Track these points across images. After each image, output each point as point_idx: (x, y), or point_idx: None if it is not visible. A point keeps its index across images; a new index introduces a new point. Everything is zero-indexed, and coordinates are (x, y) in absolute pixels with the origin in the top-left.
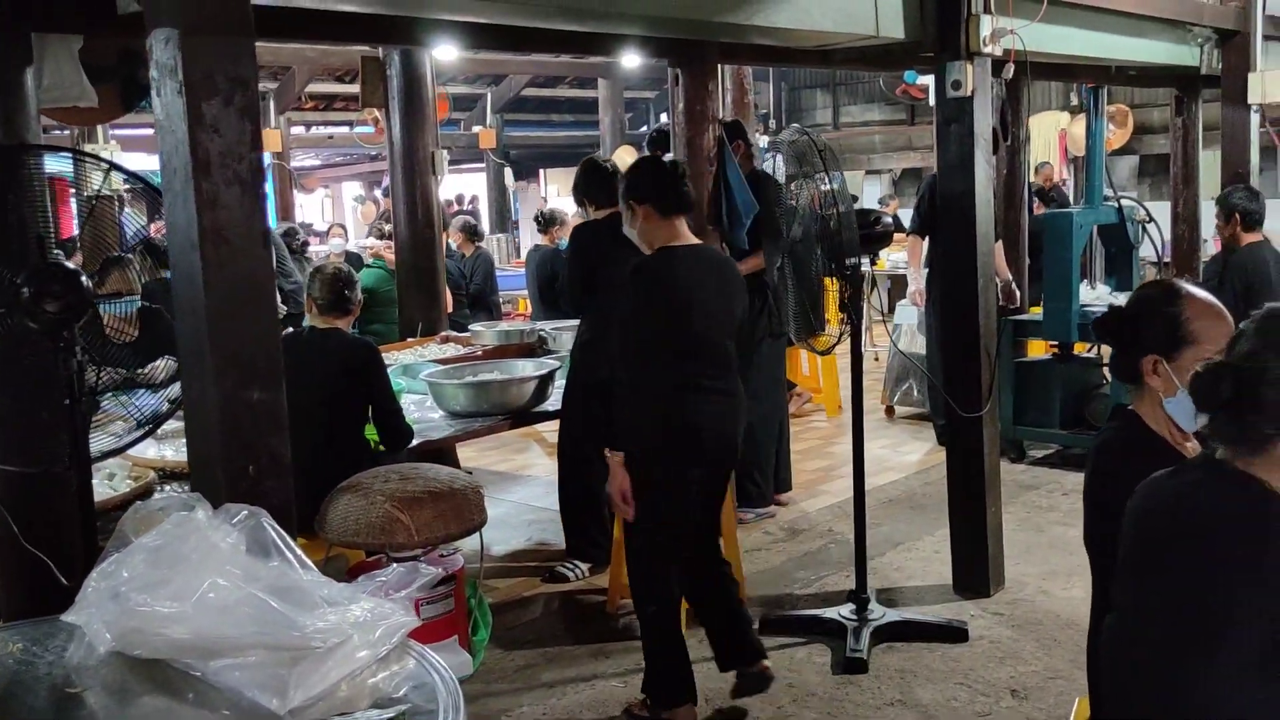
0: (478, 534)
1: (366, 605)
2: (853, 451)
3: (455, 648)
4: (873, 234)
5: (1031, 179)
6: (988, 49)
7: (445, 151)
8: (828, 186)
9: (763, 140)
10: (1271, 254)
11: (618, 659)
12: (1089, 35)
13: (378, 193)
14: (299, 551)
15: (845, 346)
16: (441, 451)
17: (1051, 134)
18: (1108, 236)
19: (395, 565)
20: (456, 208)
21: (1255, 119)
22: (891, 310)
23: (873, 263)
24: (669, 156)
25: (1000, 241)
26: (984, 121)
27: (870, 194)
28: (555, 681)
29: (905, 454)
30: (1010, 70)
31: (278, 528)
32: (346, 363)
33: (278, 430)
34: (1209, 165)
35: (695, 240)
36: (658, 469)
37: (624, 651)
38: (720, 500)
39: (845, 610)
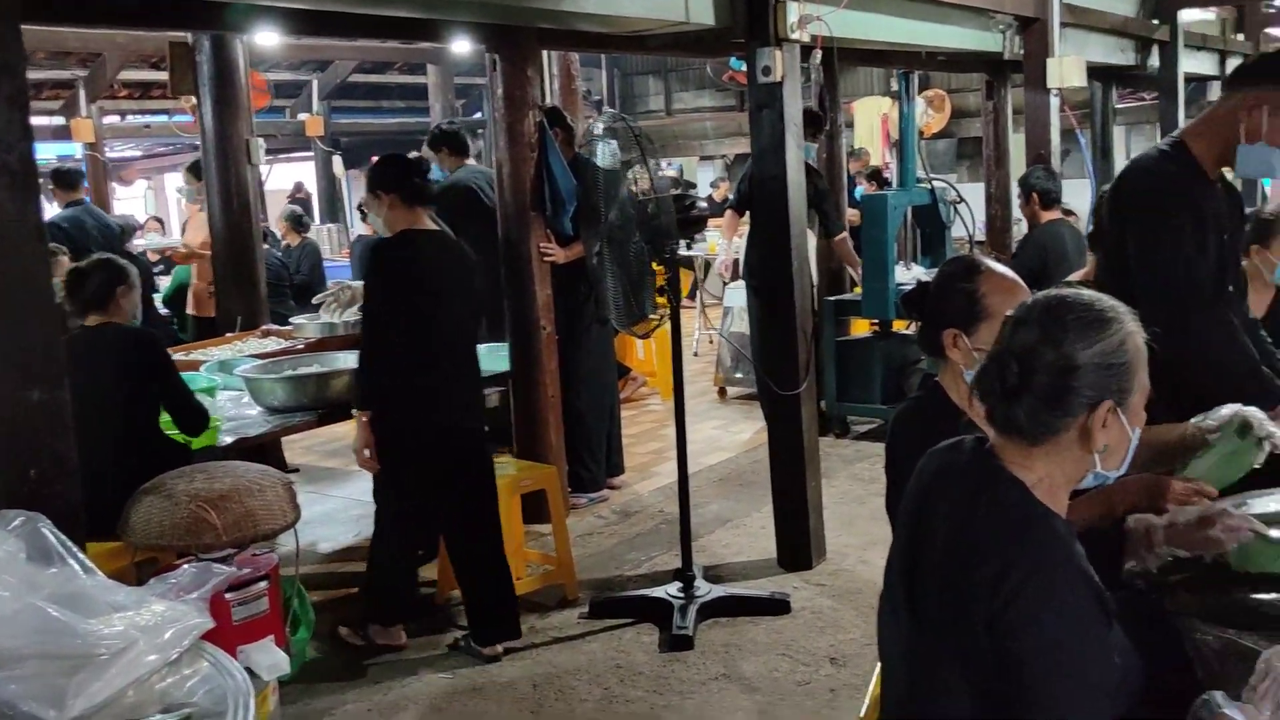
0: (294, 531)
1: (158, 609)
2: (676, 433)
3: (270, 648)
4: (689, 218)
5: (852, 165)
6: (795, 35)
7: (262, 140)
8: (645, 172)
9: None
10: (1069, 231)
11: (447, 652)
12: (896, 22)
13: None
14: (84, 557)
15: (687, 330)
16: (263, 449)
17: (874, 119)
18: (922, 217)
19: (188, 566)
20: (293, 197)
21: (1055, 103)
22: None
23: (689, 245)
24: (415, 154)
25: (846, 232)
26: (794, 106)
27: (704, 179)
28: (383, 677)
29: (736, 433)
30: (818, 56)
31: (59, 533)
32: (125, 356)
33: (62, 431)
34: (1019, 147)
35: (435, 228)
36: (396, 429)
37: (454, 644)
38: (481, 471)
39: (672, 589)
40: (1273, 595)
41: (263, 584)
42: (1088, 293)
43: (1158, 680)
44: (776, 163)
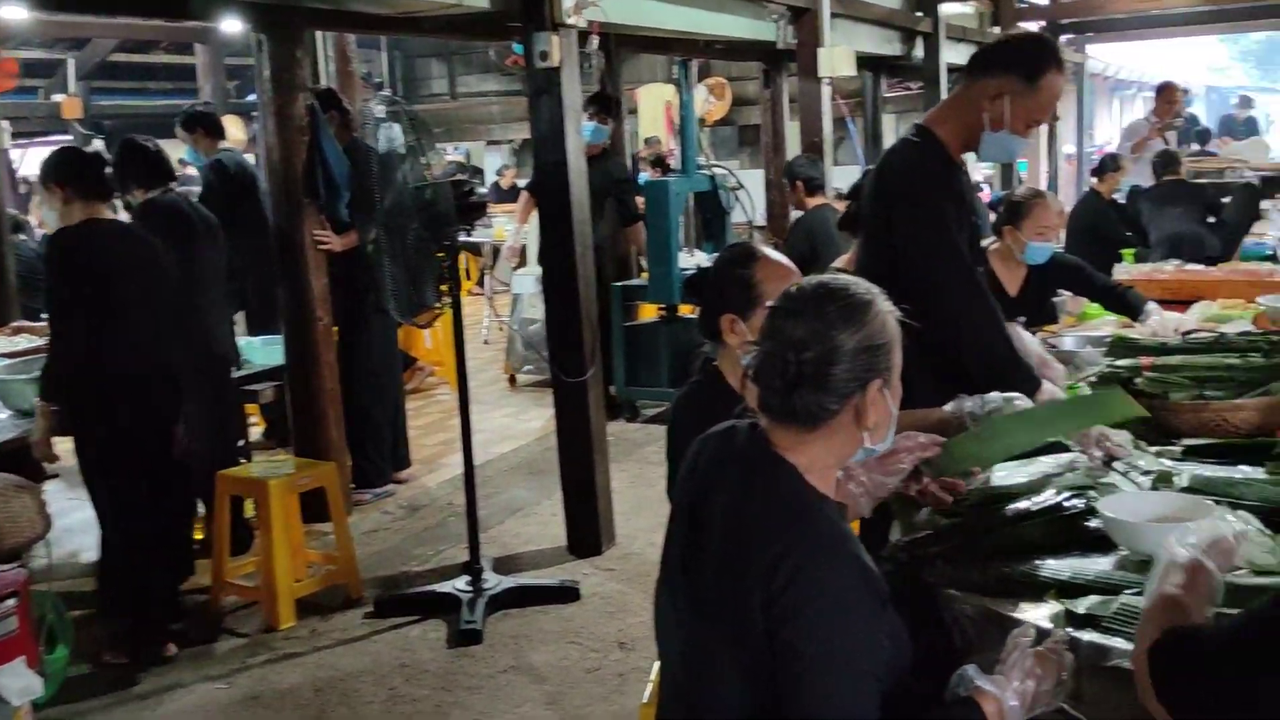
0: (46, 542)
1: None
2: (461, 423)
3: (21, 670)
4: (467, 204)
5: (642, 151)
6: (572, 20)
7: (6, 123)
8: (423, 158)
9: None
10: (834, 215)
11: (223, 660)
12: (673, 9)
13: None
14: None
15: (478, 317)
16: (16, 455)
17: (659, 107)
18: (703, 203)
19: None
20: None
21: (827, 91)
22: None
23: (469, 232)
24: (92, 148)
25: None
26: (573, 93)
27: (491, 164)
28: (151, 691)
29: (527, 421)
30: (595, 42)
31: None
32: None
33: None
34: (795, 135)
35: (113, 218)
36: (86, 413)
37: (230, 653)
38: (169, 466)
39: (460, 583)
40: (1024, 564)
41: (10, 602)
42: (843, 278)
43: (919, 650)
44: (557, 149)
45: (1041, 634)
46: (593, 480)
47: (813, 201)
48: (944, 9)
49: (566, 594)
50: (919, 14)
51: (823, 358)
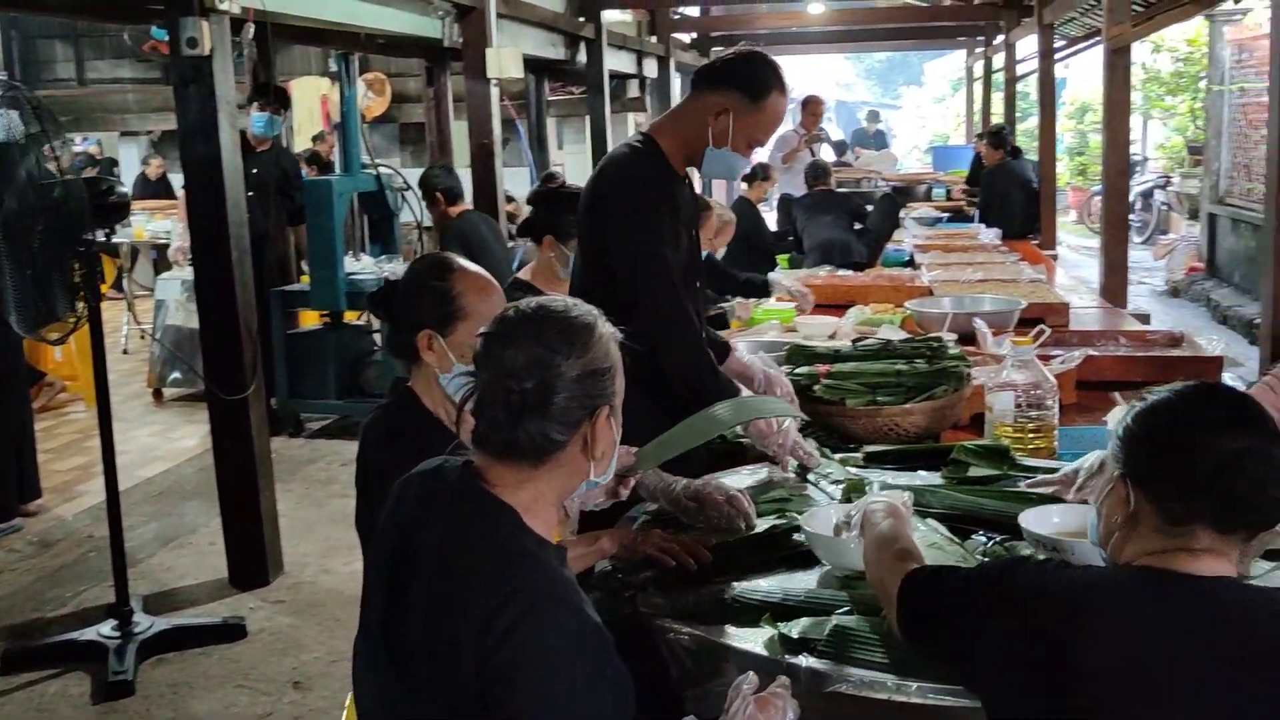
0: None
1: None
2: (101, 444)
3: None
4: (105, 205)
5: (313, 147)
6: (224, 6)
7: None
8: (50, 151)
9: None
10: (481, 219)
11: None
12: (332, 1)
13: None
14: None
15: (116, 324)
16: None
17: (314, 101)
18: (369, 204)
19: None
20: None
21: (495, 92)
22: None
23: (109, 236)
24: None
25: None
26: (226, 83)
27: (128, 156)
28: None
29: (178, 440)
30: (251, 30)
31: None
32: None
33: None
34: (462, 134)
35: None
36: None
37: None
38: None
39: (106, 628)
40: (740, 586)
41: None
42: (561, 299)
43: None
44: (208, 144)
45: (768, 672)
46: (256, 504)
47: (455, 210)
48: (606, 15)
49: (231, 632)
50: (582, 19)
51: (547, 385)
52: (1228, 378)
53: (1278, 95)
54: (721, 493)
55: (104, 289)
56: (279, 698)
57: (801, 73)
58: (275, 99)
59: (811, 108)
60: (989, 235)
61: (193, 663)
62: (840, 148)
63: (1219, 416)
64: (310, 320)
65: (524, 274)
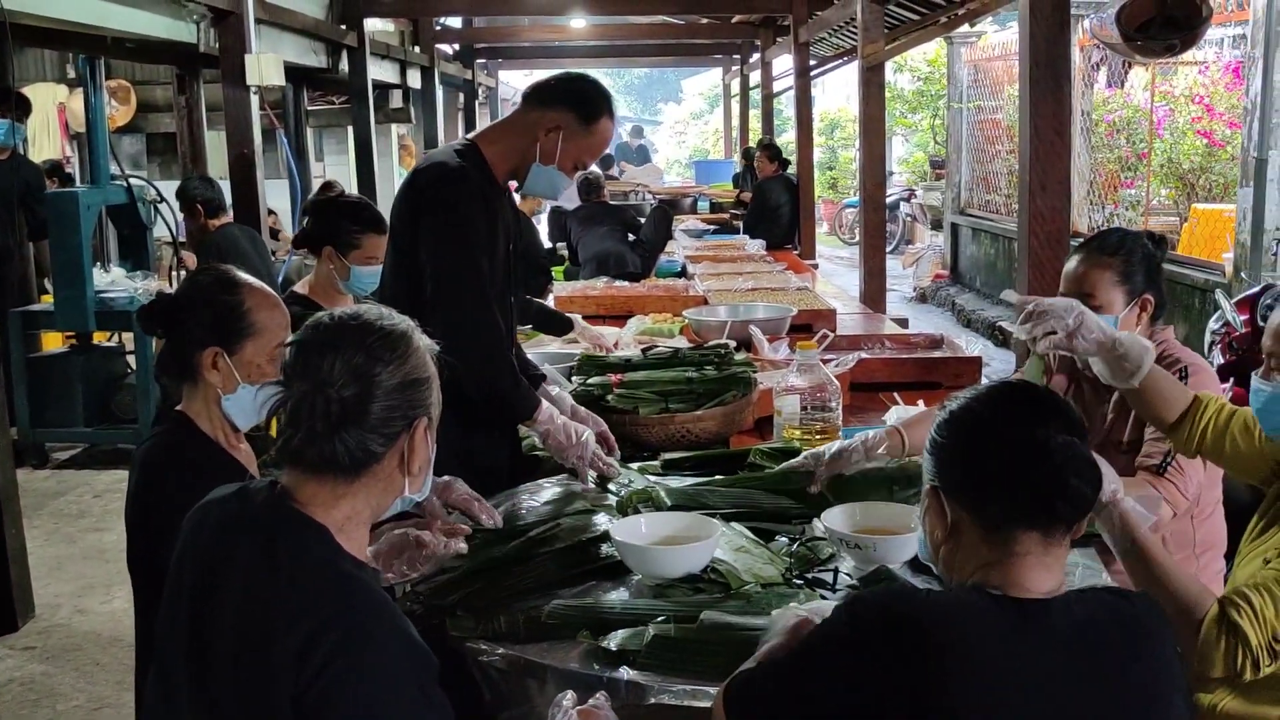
0: None
1: None
2: None
3: None
4: None
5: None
6: None
7: None
8: None
9: None
10: (242, 232)
11: None
12: (77, 0)
13: None
14: None
15: None
16: None
17: (50, 108)
18: (119, 217)
19: None
20: None
21: (255, 100)
22: None
23: None
24: None
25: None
26: None
27: None
28: None
29: None
30: None
31: None
32: None
33: None
34: (216, 145)
35: None
36: None
37: None
38: None
39: None
40: (548, 603)
41: None
42: (375, 308)
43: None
44: None
45: (586, 687)
46: (3, 543)
47: (216, 222)
48: (369, 24)
49: None
50: (344, 27)
51: (366, 394)
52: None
53: (1028, 111)
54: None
55: None
56: None
57: None
58: (16, 105)
59: None
60: (754, 246)
61: None
62: (607, 161)
63: (1017, 412)
64: (54, 343)
65: (300, 287)
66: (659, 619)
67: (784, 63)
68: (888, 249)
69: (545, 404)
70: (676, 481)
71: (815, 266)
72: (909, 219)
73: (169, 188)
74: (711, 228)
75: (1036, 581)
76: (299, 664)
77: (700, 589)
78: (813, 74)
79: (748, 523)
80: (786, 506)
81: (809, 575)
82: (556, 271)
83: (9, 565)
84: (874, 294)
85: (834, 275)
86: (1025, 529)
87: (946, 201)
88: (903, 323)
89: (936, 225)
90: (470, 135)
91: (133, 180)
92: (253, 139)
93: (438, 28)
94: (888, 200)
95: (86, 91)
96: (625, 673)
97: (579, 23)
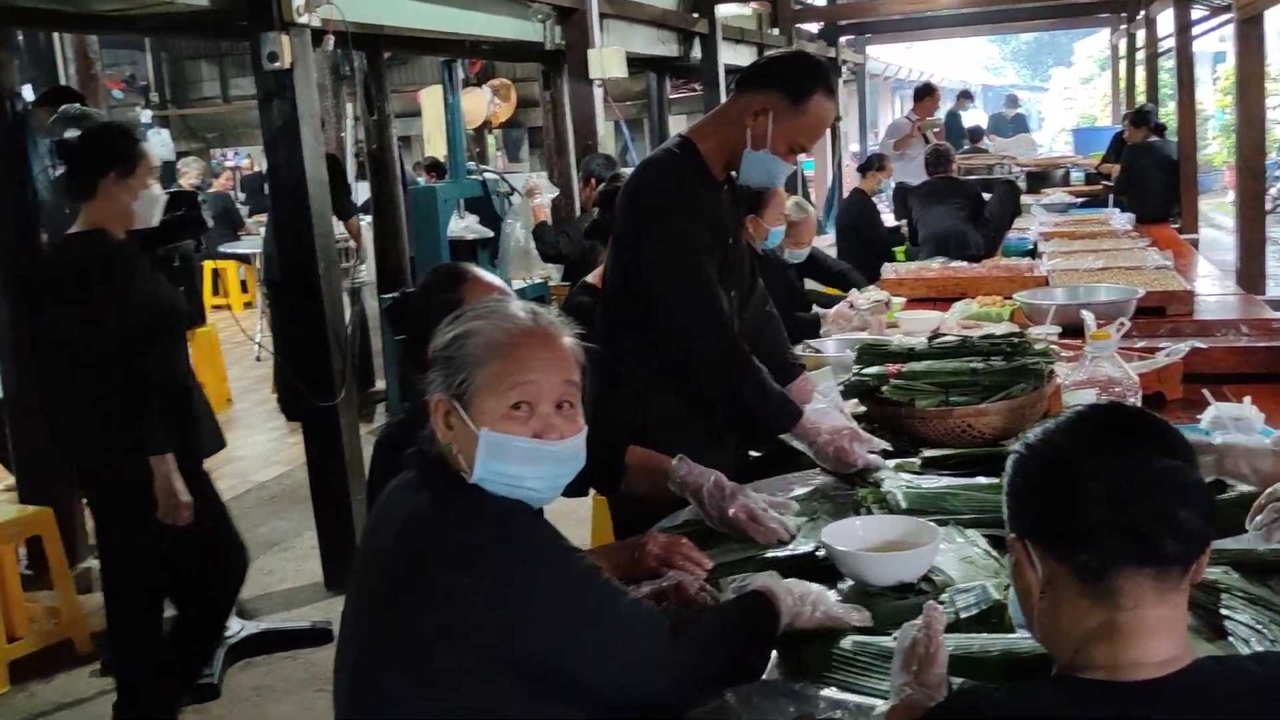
0: None
1: None
2: None
3: None
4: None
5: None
6: (303, 19)
7: None
8: None
9: (145, 115)
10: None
11: None
12: (430, 9)
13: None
14: None
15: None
16: None
17: (441, 108)
18: (475, 209)
19: None
20: None
21: (599, 93)
22: None
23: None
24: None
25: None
26: (308, 96)
27: None
28: None
29: (296, 444)
30: (330, 42)
31: None
32: None
33: None
34: None
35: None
36: None
37: None
38: None
39: None
40: None
41: None
42: (489, 300)
43: None
44: (292, 156)
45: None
46: (349, 509)
47: None
48: (721, 10)
49: (318, 636)
50: (695, 15)
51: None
52: None
53: None
54: (746, 511)
55: (244, 298)
56: None
57: (942, 57)
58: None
59: (930, 96)
60: (1121, 220)
61: (278, 667)
62: (976, 133)
63: (1103, 439)
64: None
65: (591, 277)
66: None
67: (1168, 20)
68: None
69: (807, 410)
70: (930, 482)
71: (1194, 241)
72: None
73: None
74: (1079, 200)
75: (1151, 648)
76: (496, 608)
77: (908, 598)
78: (1200, 31)
79: (989, 530)
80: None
81: None
82: (898, 252)
83: (353, 527)
84: (1251, 272)
85: (1230, 249)
86: (1132, 576)
87: None
88: None
89: None
90: (685, 131)
91: (487, 174)
92: (596, 131)
93: (798, 7)
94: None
95: (445, 92)
96: (801, 686)
97: None
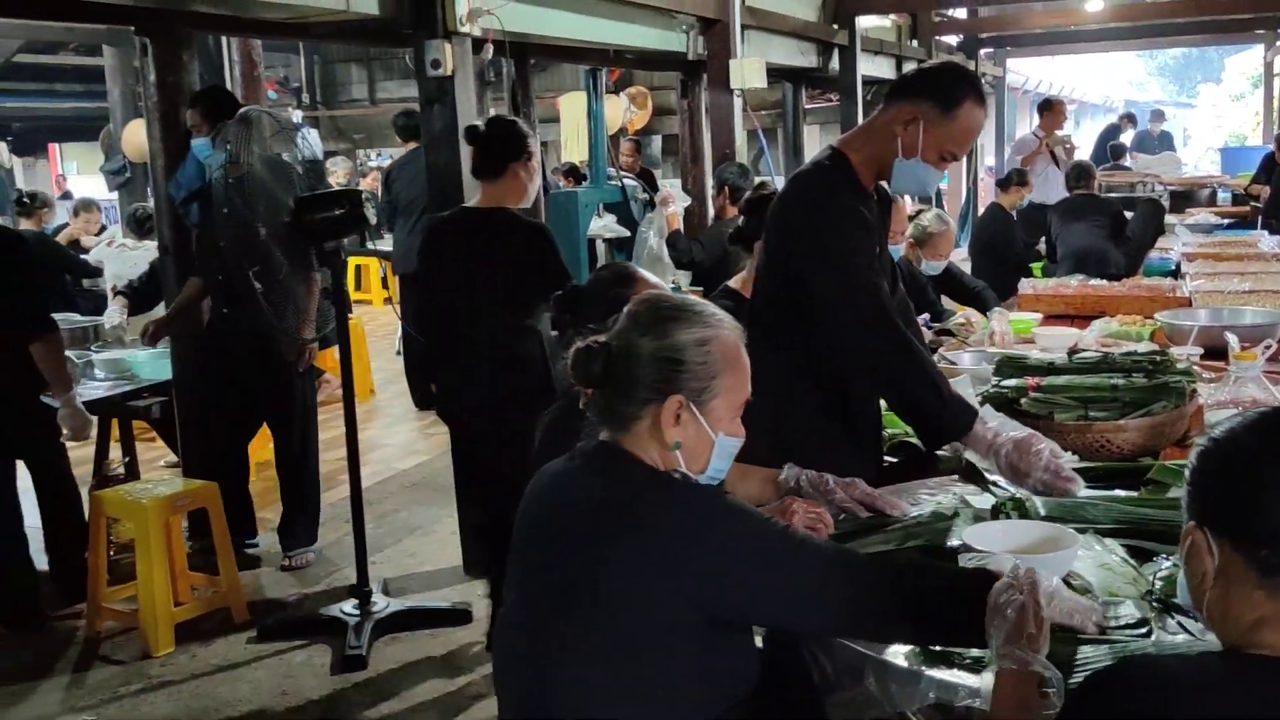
0: None
1: None
2: (346, 438)
3: None
4: (332, 218)
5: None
6: (465, 28)
7: None
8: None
9: (296, 115)
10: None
11: (93, 690)
12: (576, 19)
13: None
14: None
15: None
16: None
17: (580, 114)
18: (612, 214)
19: None
20: None
21: (738, 103)
22: None
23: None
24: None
25: None
26: (467, 101)
27: None
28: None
29: (436, 434)
30: (489, 50)
31: None
32: None
33: None
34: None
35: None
36: None
37: (102, 682)
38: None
39: (348, 606)
40: None
41: None
42: (689, 296)
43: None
44: (451, 160)
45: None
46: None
47: (732, 212)
48: (861, 22)
49: (458, 616)
50: (835, 26)
51: (617, 356)
52: None
53: None
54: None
55: (384, 294)
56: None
57: (1085, 71)
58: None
59: (1052, 110)
60: (1270, 243)
61: (421, 643)
62: (1118, 150)
63: None
64: None
65: (733, 282)
66: None
67: None
68: None
69: (981, 414)
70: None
71: None
72: None
73: (672, 186)
74: (1225, 222)
75: None
76: (703, 568)
77: None
78: None
79: (1128, 540)
80: (1177, 526)
81: (1174, 599)
82: (1035, 268)
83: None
84: None
85: None
86: None
87: None
88: None
89: None
90: (835, 143)
91: (626, 180)
92: (733, 140)
93: (938, 19)
94: None
95: (589, 100)
96: (939, 673)
97: (1095, 4)
